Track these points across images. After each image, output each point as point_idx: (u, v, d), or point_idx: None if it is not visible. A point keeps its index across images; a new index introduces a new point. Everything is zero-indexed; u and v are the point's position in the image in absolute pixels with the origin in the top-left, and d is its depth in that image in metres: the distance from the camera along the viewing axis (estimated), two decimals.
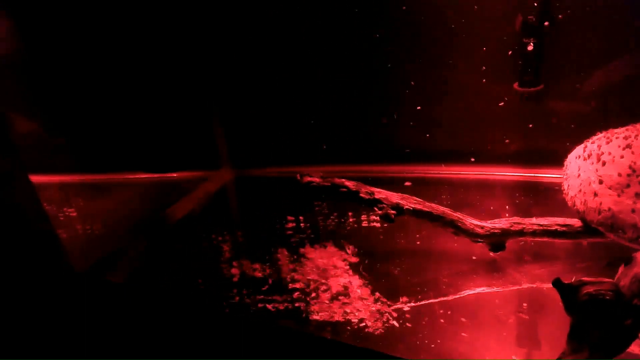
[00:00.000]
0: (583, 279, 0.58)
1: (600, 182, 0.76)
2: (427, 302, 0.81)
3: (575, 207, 0.82)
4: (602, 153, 0.77)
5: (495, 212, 1.07)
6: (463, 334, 0.74)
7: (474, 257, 0.91)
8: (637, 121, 0.81)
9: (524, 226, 0.86)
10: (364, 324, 0.77)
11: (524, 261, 0.89)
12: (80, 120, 1.08)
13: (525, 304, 0.80)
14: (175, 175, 1.34)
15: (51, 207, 0.89)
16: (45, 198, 0.87)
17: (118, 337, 0.88)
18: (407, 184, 0.88)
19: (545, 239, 0.86)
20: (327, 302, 0.83)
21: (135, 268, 1.01)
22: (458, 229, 0.87)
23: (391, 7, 1.15)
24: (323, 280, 0.89)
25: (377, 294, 0.84)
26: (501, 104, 1.16)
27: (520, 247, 0.92)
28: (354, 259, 0.94)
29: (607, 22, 1.03)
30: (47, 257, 0.88)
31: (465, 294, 0.82)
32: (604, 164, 0.76)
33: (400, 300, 0.82)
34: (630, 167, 0.73)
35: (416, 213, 0.87)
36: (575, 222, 0.84)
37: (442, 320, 0.77)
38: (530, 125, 1.17)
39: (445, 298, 0.82)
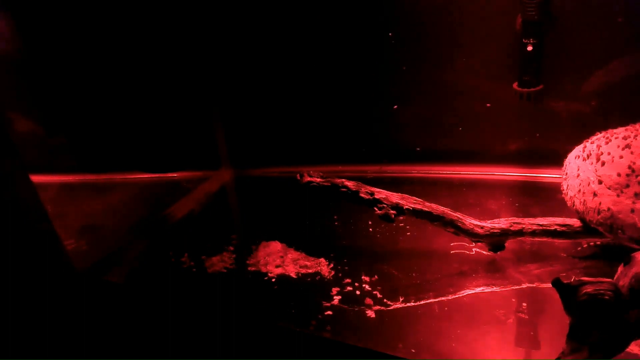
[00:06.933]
0: (582, 278, 0.58)
1: (600, 182, 0.76)
2: (426, 302, 0.81)
3: (574, 207, 0.82)
4: (602, 153, 0.78)
5: (495, 212, 1.07)
6: (463, 334, 0.74)
7: (474, 257, 0.91)
8: (637, 121, 0.81)
9: (524, 226, 0.86)
10: (364, 323, 0.77)
11: (524, 261, 0.89)
12: (80, 120, 1.08)
13: (524, 304, 0.80)
14: (175, 175, 1.34)
15: (51, 207, 0.89)
16: (45, 198, 0.87)
17: (118, 337, 0.88)
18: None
19: (544, 239, 0.86)
20: (326, 302, 0.83)
21: (135, 268, 1.01)
22: (458, 229, 0.87)
23: (391, 7, 1.15)
24: (322, 281, 0.89)
25: (377, 293, 0.84)
26: (501, 104, 1.16)
27: (520, 247, 0.92)
28: (353, 259, 0.94)
29: (607, 22, 1.03)
30: (47, 257, 0.89)
31: (465, 294, 0.82)
32: (603, 164, 0.76)
33: (400, 300, 0.82)
34: (629, 167, 0.73)
35: (416, 213, 0.87)
36: (575, 222, 0.84)
37: (442, 320, 0.77)
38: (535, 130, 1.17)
39: (445, 298, 0.82)
